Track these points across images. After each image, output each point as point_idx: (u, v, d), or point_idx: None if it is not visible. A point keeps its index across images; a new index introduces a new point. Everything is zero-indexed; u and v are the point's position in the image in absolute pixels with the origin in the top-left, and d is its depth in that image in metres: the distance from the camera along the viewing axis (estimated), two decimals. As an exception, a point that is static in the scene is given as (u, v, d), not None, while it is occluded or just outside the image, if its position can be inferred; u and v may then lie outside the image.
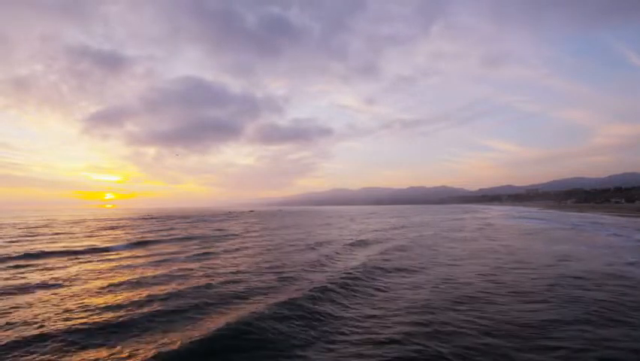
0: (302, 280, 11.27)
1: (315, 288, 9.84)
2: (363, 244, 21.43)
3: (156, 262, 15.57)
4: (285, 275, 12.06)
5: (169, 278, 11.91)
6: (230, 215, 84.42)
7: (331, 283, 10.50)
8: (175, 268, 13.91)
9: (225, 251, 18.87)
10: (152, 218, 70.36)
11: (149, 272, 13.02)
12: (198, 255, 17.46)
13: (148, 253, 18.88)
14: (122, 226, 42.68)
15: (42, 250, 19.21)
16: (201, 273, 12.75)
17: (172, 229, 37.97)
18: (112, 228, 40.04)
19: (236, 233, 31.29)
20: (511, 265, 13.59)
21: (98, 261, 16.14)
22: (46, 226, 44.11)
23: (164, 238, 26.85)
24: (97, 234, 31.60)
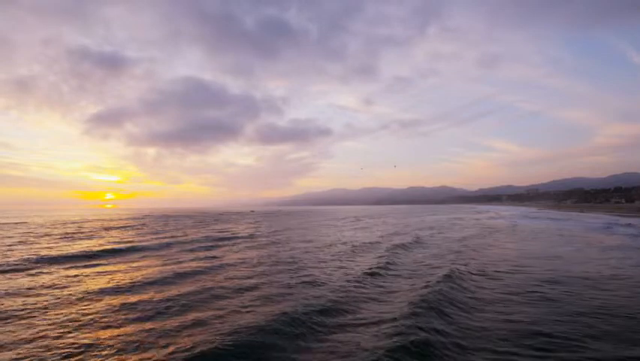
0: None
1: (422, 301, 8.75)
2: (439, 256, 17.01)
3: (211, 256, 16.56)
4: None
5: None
6: (239, 215, 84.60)
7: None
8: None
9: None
10: (160, 217, 70.43)
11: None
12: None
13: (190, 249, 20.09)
14: (133, 226, 42.70)
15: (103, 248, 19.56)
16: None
17: (195, 227, 38.01)
18: (129, 227, 40.10)
19: (274, 236, 31.21)
20: None
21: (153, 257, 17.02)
22: (65, 225, 44.15)
23: (202, 237, 27.23)
24: (121, 233, 31.64)
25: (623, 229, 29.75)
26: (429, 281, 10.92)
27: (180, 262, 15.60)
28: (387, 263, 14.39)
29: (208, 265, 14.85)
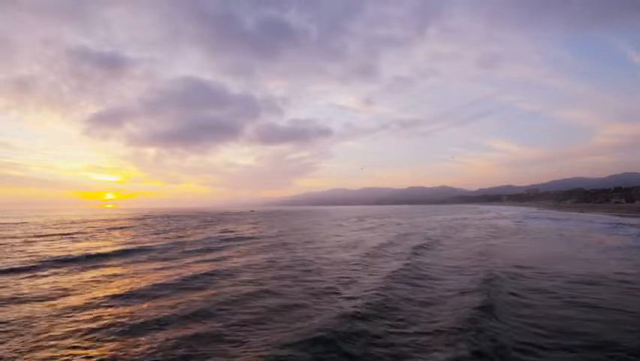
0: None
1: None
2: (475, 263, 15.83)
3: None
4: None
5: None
6: (240, 215, 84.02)
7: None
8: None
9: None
10: (162, 218, 69.91)
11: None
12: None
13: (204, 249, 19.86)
14: (136, 226, 42.15)
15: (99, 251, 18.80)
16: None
17: (199, 227, 37.47)
18: (131, 227, 39.53)
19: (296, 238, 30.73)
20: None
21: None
22: (68, 225, 43.56)
23: (207, 238, 26.71)
24: (125, 234, 31.09)
25: (634, 230, 29.31)
26: (471, 284, 10.44)
27: (188, 265, 14.96)
28: (414, 267, 13.51)
29: (220, 268, 14.08)
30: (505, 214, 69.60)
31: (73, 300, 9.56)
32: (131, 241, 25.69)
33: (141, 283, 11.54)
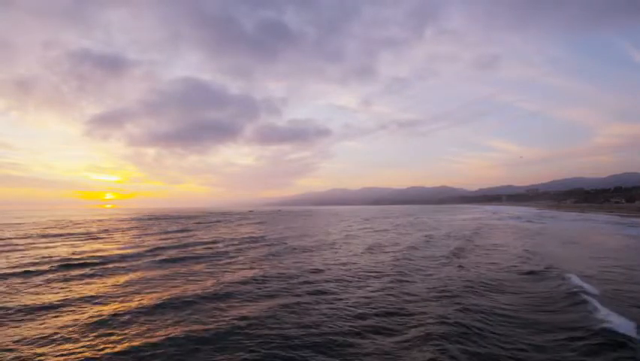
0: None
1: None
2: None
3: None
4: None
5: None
6: (241, 215, 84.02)
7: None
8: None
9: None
10: (166, 218, 70.00)
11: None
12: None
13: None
14: (139, 227, 42.07)
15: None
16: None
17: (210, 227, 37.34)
18: (135, 228, 39.45)
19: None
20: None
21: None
22: (75, 225, 43.48)
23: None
24: (132, 235, 31.02)
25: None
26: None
27: (204, 270, 14.43)
28: (475, 278, 11.85)
29: (248, 278, 12.67)
30: (513, 214, 69.83)
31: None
32: (141, 243, 25.54)
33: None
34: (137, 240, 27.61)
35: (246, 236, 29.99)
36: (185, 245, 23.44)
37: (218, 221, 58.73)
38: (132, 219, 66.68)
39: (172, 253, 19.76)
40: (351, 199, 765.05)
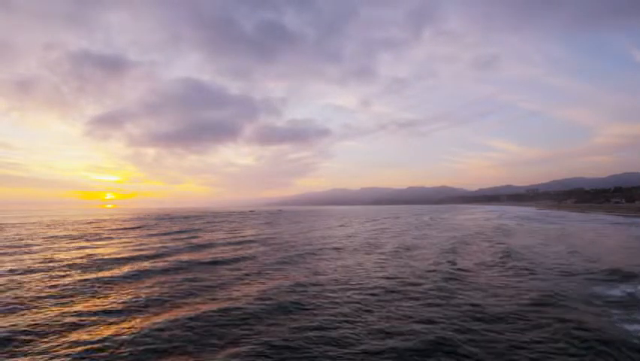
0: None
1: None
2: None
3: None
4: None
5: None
6: (242, 215, 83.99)
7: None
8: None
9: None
10: (169, 218, 70.28)
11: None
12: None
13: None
14: (143, 227, 42.39)
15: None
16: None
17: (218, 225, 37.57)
18: (140, 228, 39.74)
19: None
20: None
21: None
22: (78, 226, 43.74)
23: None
24: (137, 236, 31.39)
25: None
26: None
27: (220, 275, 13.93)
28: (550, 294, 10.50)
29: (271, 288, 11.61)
30: (519, 215, 69.86)
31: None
32: (147, 245, 25.86)
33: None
34: (177, 242, 26.98)
35: (266, 237, 29.46)
36: (212, 244, 24.22)
37: (225, 221, 59.15)
38: (139, 219, 66.91)
39: (210, 251, 20.63)
40: (351, 199, 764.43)
